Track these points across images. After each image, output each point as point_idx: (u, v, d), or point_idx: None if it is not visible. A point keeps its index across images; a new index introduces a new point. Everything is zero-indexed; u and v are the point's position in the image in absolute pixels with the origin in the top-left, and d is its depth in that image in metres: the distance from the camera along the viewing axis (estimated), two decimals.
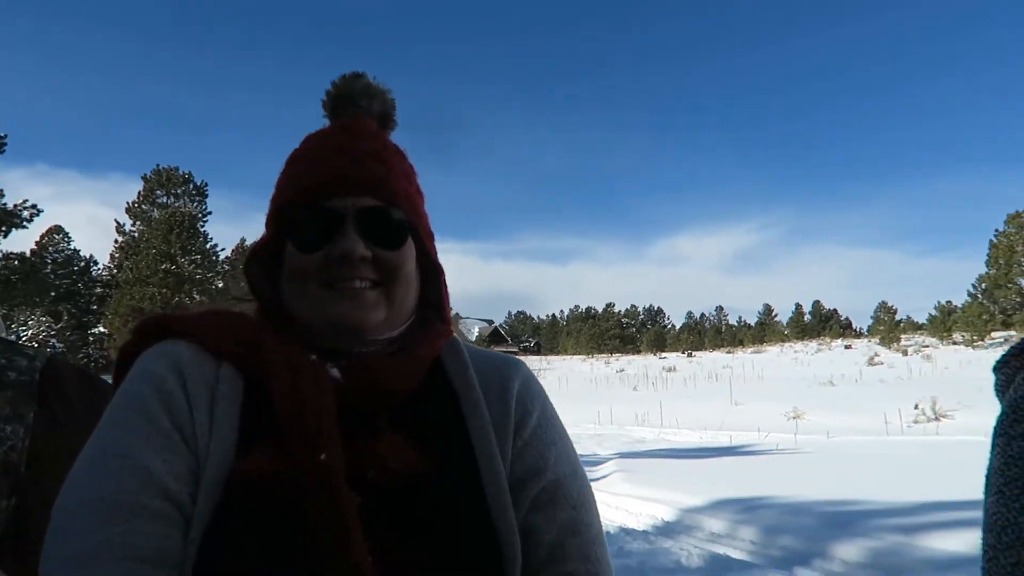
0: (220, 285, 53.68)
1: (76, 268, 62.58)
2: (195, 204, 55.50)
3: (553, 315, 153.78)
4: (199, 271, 49.99)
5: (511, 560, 0.96)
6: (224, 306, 1.19)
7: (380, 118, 1.17)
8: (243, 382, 1.02)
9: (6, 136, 38.14)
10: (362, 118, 1.14)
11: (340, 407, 0.99)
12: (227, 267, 55.91)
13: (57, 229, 63.70)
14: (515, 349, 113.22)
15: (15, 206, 39.76)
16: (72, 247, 63.46)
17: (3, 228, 38.54)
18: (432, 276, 1.18)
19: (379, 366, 1.05)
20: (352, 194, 1.07)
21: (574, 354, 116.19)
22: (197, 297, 47.91)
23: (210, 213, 56.43)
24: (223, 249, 55.56)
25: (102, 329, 51.27)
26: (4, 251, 40.95)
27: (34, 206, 39.62)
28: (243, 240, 61.59)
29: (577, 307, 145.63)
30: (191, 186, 55.94)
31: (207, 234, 53.27)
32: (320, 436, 0.95)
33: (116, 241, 55.79)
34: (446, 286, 1.21)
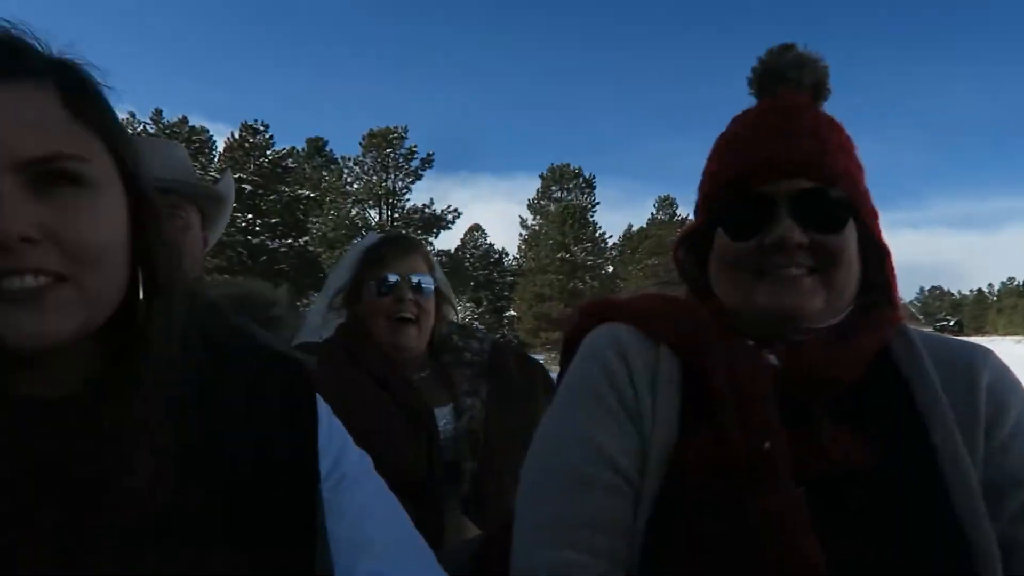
0: (610, 270, 57.40)
1: (491, 260, 71.69)
2: (585, 196, 59.75)
3: (979, 289, 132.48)
4: (590, 258, 53.88)
5: (990, 573, 0.87)
6: (656, 290, 1.21)
7: (813, 89, 1.09)
8: (680, 364, 1.03)
9: (433, 153, 45.61)
10: (792, 94, 1.07)
11: (778, 395, 0.97)
12: (614, 253, 59.44)
13: (476, 227, 73.77)
14: (929, 329, 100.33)
15: (442, 211, 47.54)
16: (488, 242, 72.93)
17: (434, 230, 46.50)
18: (876, 257, 1.08)
19: (819, 354, 1.00)
20: (785, 177, 1.01)
21: (1006, 334, 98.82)
22: (589, 282, 51.67)
23: (598, 203, 60.23)
24: (611, 236, 59.26)
25: (512, 313, 57.90)
26: (436, 250, 48.87)
27: (455, 209, 47.03)
28: (630, 226, 64.75)
29: (1012, 279, 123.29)
30: (581, 180, 60.26)
31: (596, 223, 57.24)
32: (762, 424, 0.93)
33: (520, 234, 62.54)
34: (893, 268, 1.10)
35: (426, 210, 49.88)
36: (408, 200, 49.76)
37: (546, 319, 50.04)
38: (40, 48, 0.74)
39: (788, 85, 1.08)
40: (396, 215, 48.99)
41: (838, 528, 0.89)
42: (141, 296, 0.79)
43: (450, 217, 49.69)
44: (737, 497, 0.91)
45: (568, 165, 60.88)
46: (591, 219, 56.92)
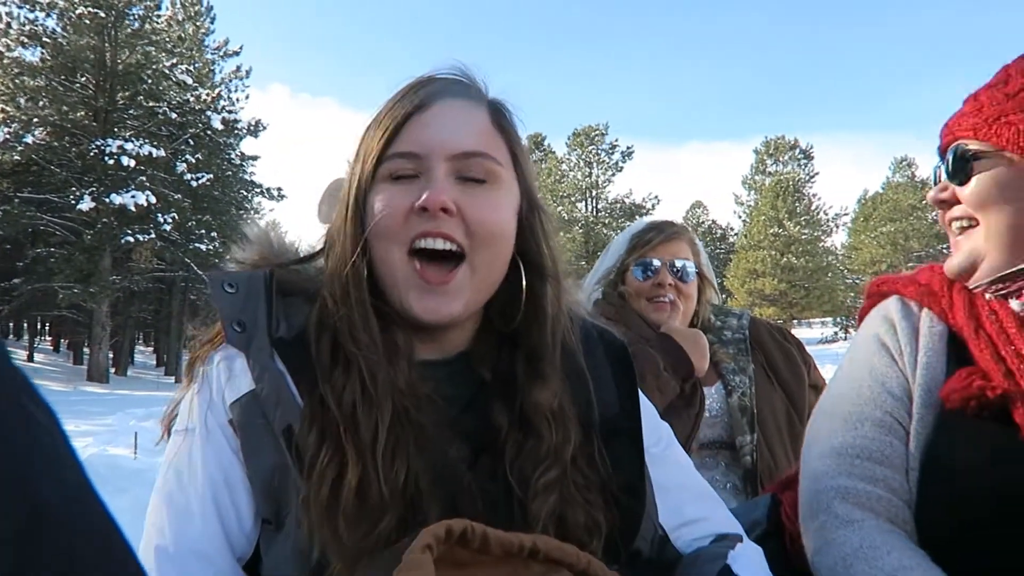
0: (829, 243, 55.97)
1: (716, 235, 72.40)
2: (802, 168, 58.54)
3: None
4: (804, 231, 53.16)
5: None
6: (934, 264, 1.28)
7: None
8: (944, 322, 1.16)
9: (632, 147, 48.20)
10: None
11: None
12: (838, 225, 57.65)
13: (698, 203, 74.85)
14: None
15: (642, 199, 50.39)
16: (711, 219, 73.65)
17: (636, 218, 49.43)
18: None
19: None
20: (950, 142, 1.13)
21: None
22: (800, 260, 51.20)
23: (817, 174, 58.68)
24: (831, 207, 57.54)
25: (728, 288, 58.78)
26: None
27: (656, 196, 49.68)
28: (865, 192, 61.83)
29: None
30: (798, 151, 59.10)
31: (814, 195, 56.00)
32: (1018, 358, 1.02)
33: (733, 211, 62.82)
34: None
35: (626, 200, 52.98)
36: (610, 192, 53.24)
37: (759, 295, 50.69)
38: (482, 85, 1.02)
39: None
40: (600, 206, 52.69)
41: None
42: (524, 277, 1.00)
43: (649, 205, 52.38)
44: (1012, 430, 0.98)
45: (783, 137, 59.94)
46: (807, 192, 55.84)
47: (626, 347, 1.09)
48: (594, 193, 53.24)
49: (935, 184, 1.17)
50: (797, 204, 53.73)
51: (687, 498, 1.07)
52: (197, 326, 1.07)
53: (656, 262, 2.16)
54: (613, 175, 53.20)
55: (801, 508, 1.14)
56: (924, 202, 53.50)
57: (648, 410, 1.10)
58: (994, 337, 1.05)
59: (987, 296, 1.12)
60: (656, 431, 1.09)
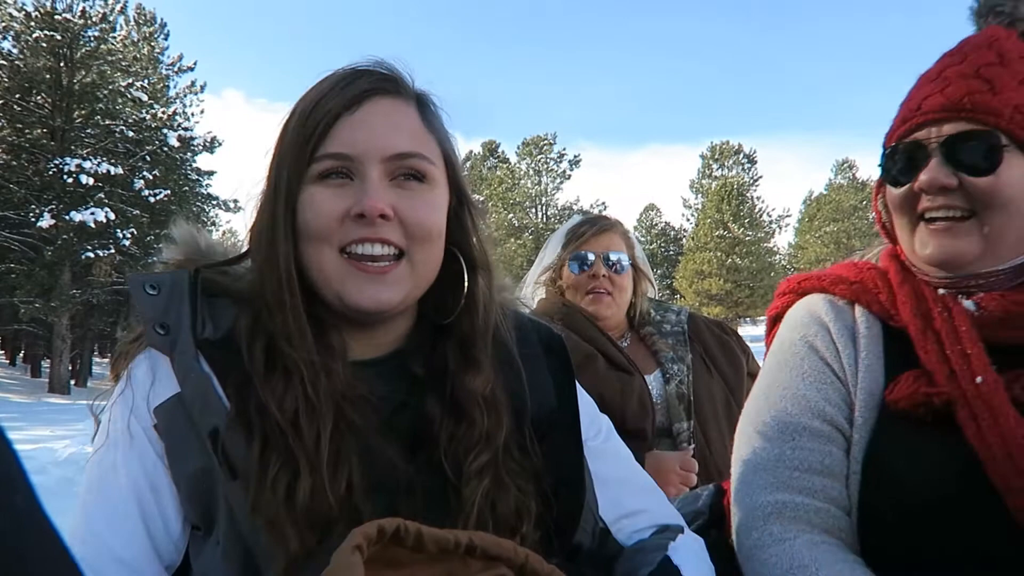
0: (771, 244, 58.38)
1: (669, 237, 74.45)
2: (747, 171, 60.90)
3: None
4: (748, 233, 55.45)
5: None
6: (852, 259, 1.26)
7: None
8: (880, 322, 1.11)
9: (579, 156, 49.82)
10: (995, 28, 1.07)
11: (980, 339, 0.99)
12: (779, 227, 60.08)
13: (652, 206, 76.93)
14: None
15: (590, 205, 52.18)
16: (665, 221, 75.73)
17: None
18: None
19: (1015, 299, 1.02)
20: (940, 121, 1.02)
21: None
22: (744, 261, 53.45)
23: (760, 177, 61.06)
24: (774, 209, 59.97)
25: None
26: None
27: (603, 203, 51.34)
28: (811, 193, 64.33)
29: None
30: (742, 155, 61.44)
31: (758, 198, 58.39)
32: (968, 361, 0.97)
33: (682, 214, 64.96)
34: None
35: (574, 207, 54.77)
36: (559, 199, 55.09)
37: (707, 294, 52.70)
38: (408, 80, 1.00)
39: (1000, 19, 1.07)
40: (550, 213, 54.43)
41: None
42: (465, 269, 1.00)
43: (596, 211, 54.15)
44: (954, 432, 0.95)
45: (728, 142, 62.24)
46: (751, 195, 58.17)
47: (562, 340, 1.10)
48: (543, 200, 55.03)
49: (889, 174, 1.11)
50: (741, 207, 56.00)
51: (627, 490, 1.07)
52: (126, 325, 1.03)
53: (590, 255, 2.24)
54: (562, 183, 55.15)
55: (735, 523, 1.11)
56: (864, 202, 56.34)
57: (586, 402, 1.10)
58: (943, 335, 1.02)
59: (940, 292, 1.08)
60: (595, 423, 1.10)
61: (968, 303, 1.06)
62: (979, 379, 0.96)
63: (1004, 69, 1.03)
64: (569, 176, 55.25)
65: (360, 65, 0.99)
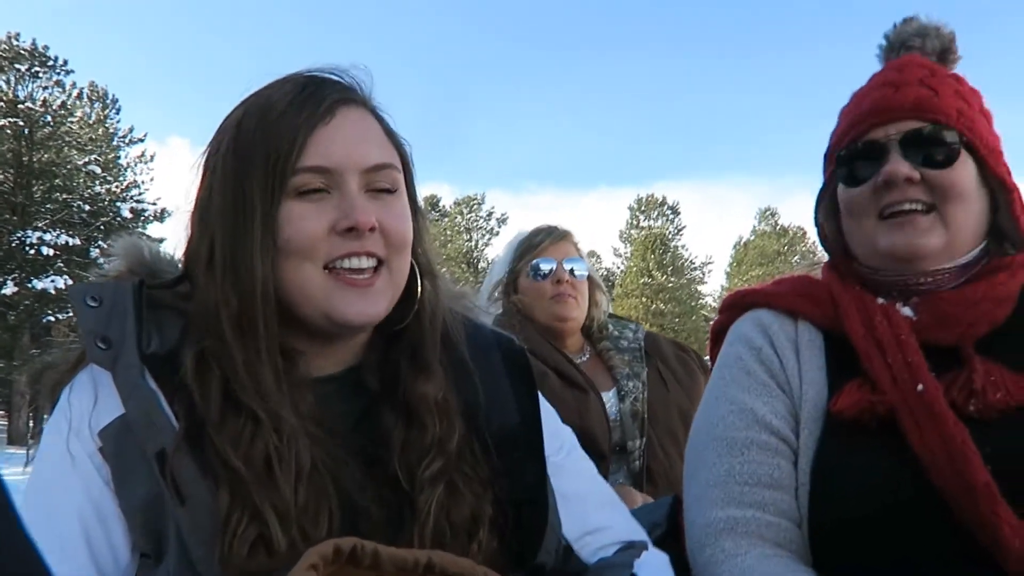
0: (695, 290, 62.76)
1: (608, 283, 78.39)
2: (671, 222, 65.50)
3: None
4: (671, 280, 59.73)
5: None
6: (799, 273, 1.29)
7: (939, 56, 1.16)
8: (821, 332, 1.13)
9: (506, 214, 53.32)
10: (910, 56, 1.15)
11: (920, 344, 1.02)
12: (703, 273, 64.65)
13: (592, 253, 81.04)
14: None
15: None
16: (604, 267, 79.83)
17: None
18: (1003, 197, 1.11)
19: (951, 300, 1.06)
20: (895, 120, 1.08)
21: None
22: (668, 306, 57.58)
23: (684, 227, 65.72)
24: (697, 256, 64.56)
25: None
26: None
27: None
28: (740, 238, 68.99)
29: None
30: (666, 207, 66.10)
31: (682, 246, 62.96)
32: (910, 369, 0.99)
33: (612, 262, 69.05)
34: (1021, 207, 1.12)
35: None
36: (488, 254, 58.83)
37: None
38: (366, 87, 0.98)
39: (912, 52, 1.16)
40: (481, 266, 58.02)
41: (1008, 468, 0.93)
42: (419, 274, 0.99)
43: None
44: (897, 438, 0.97)
45: (653, 195, 66.83)
46: (674, 244, 62.67)
47: (524, 352, 1.08)
48: (474, 255, 58.70)
49: (847, 175, 1.13)
50: (664, 256, 60.31)
51: (590, 506, 1.06)
52: (57, 349, 0.98)
53: (551, 261, 2.27)
54: (490, 239, 58.99)
55: (689, 540, 1.11)
56: (787, 247, 61.07)
57: (549, 416, 1.09)
58: (884, 343, 1.03)
59: (880, 301, 1.10)
60: (557, 437, 1.09)
61: (906, 310, 1.08)
62: (920, 387, 0.98)
63: (940, 81, 1.11)
64: (497, 233, 59.20)
65: (317, 72, 0.97)
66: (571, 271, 2.28)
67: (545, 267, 2.27)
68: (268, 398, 0.86)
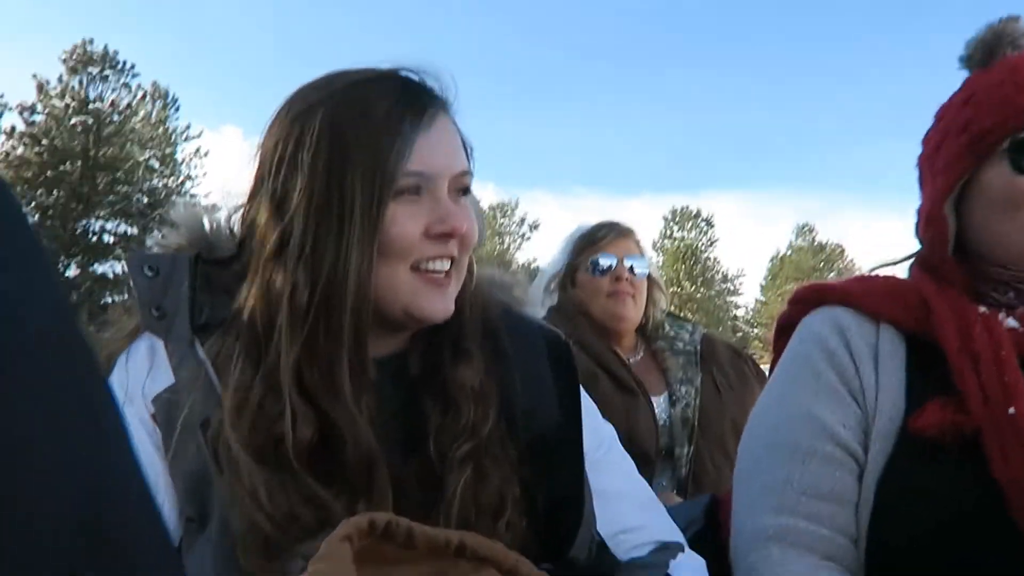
0: (723, 301, 63.64)
1: None
2: (704, 234, 66.52)
3: None
4: (699, 291, 60.79)
5: None
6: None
7: None
8: (904, 340, 1.04)
9: (538, 221, 54.99)
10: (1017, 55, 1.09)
11: (1021, 358, 0.93)
12: (732, 286, 65.48)
13: None
14: None
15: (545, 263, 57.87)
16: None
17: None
18: None
19: None
20: None
21: None
22: (696, 316, 58.60)
23: (717, 239, 66.65)
24: (727, 268, 65.41)
25: None
26: None
27: None
28: (777, 252, 69.39)
29: None
30: (700, 219, 67.11)
31: (710, 258, 63.93)
32: (1005, 389, 0.91)
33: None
34: None
35: (530, 266, 60.06)
36: (518, 258, 60.57)
37: None
38: (452, 97, 0.99)
39: (1017, 50, 1.09)
40: (513, 269, 59.61)
41: None
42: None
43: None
44: (978, 463, 0.90)
45: (687, 207, 67.80)
46: (705, 256, 63.66)
47: (570, 348, 1.08)
48: (505, 258, 60.48)
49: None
50: (695, 267, 61.32)
51: (627, 505, 1.05)
52: (118, 314, 1.00)
53: (612, 257, 2.23)
54: (521, 244, 60.87)
55: (734, 544, 1.07)
56: (822, 264, 61.54)
57: (590, 411, 1.08)
58: (982, 358, 0.95)
59: (981, 309, 1.02)
60: (597, 434, 1.09)
61: (1011, 321, 1.01)
62: (1012, 410, 0.90)
63: None
64: (529, 238, 60.86)
65: (412, 72, 0.98)
66: (631, 268, 2.27)
67: (605, 263, 2.26)
68: (340, 386, 0.89)
